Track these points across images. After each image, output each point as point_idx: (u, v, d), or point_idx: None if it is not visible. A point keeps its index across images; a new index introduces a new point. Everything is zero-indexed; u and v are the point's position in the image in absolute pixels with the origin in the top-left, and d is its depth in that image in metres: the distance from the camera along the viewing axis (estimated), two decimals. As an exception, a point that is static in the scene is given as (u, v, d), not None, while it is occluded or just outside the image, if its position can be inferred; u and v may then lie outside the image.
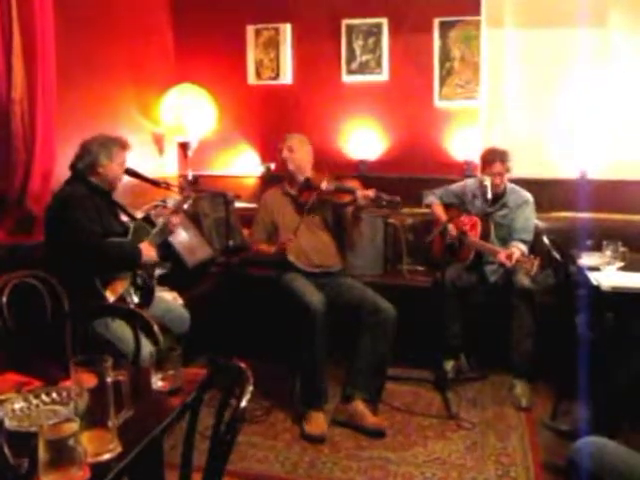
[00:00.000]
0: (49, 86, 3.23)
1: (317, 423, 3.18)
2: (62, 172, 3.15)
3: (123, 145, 3.11)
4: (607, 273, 3.21)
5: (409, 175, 4.63)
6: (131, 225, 3.11)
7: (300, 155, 3.59)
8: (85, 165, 3.02)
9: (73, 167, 3.06)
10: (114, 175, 3.08)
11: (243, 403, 1.46)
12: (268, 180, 4.76)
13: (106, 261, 2.90)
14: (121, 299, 2.92)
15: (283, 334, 3.44)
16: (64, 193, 3.00)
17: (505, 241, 3.79)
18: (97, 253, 2.86)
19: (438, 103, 4.66)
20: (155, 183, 3.30)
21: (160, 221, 3.20)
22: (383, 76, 4.74)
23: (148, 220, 3.24)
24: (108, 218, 3.04)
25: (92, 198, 2.98)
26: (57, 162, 3.28)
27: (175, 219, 3.21)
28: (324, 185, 3.42)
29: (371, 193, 3.27)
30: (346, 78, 4.81)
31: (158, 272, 3.19)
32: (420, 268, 4.31)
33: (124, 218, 3.20)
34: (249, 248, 3.77)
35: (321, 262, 3.56)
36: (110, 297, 2.89)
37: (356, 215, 3.45)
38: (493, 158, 3.78)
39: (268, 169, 4.89)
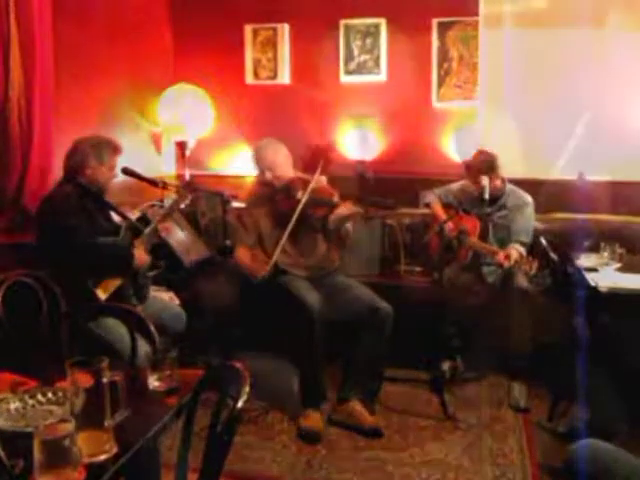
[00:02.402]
0: (46, 84, 3.22)
1: (314, 419, 3.18)
2: (59, 170, 3.12)
3: (115, 149, 3.05)
4: (604, 274, 3.21)
5: (407, 175, 4.62)
6: (122, 226, 3.06)
7: (281, 167, 3.48)
8: (74, 164, 2.98)
9: (64, 166, 3.03)
10: (103, 178, 3.02)
11: (240, 404, 1.45)
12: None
13: (95, 266, 2.85)
14: (113, 297, 2.88)
15: (280, 334, 3.43)
16: (52, 196, 2.96)
17: (503, 242, 3.78)
18: (85, 259, 2.80)
19: (436, 103, 4.66)
20: (152, 182, 3.27)
21: (151, 224, 3.12)
22: (381, 76, 4.74)
23: (144, 220, 3.22)
24: (98, 219, 3.00)
25: (81, 199, 2.94)
26: (54, 160, 3.26)
27: (166, 225, 3.14)
28: (300, 195, 3.33)
29: (347, 212, 3.25)
30: (344, 78, 4.80)
31: (152, 273, 3.16)
32: (417, 268, 4.29)
33: (117, 218, 3.15)
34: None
35: (312, 264, 3.52)
36: (102, 295, 2.85)
37: (338, 227, 3.39)
38: (483, 168, 3.70)
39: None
